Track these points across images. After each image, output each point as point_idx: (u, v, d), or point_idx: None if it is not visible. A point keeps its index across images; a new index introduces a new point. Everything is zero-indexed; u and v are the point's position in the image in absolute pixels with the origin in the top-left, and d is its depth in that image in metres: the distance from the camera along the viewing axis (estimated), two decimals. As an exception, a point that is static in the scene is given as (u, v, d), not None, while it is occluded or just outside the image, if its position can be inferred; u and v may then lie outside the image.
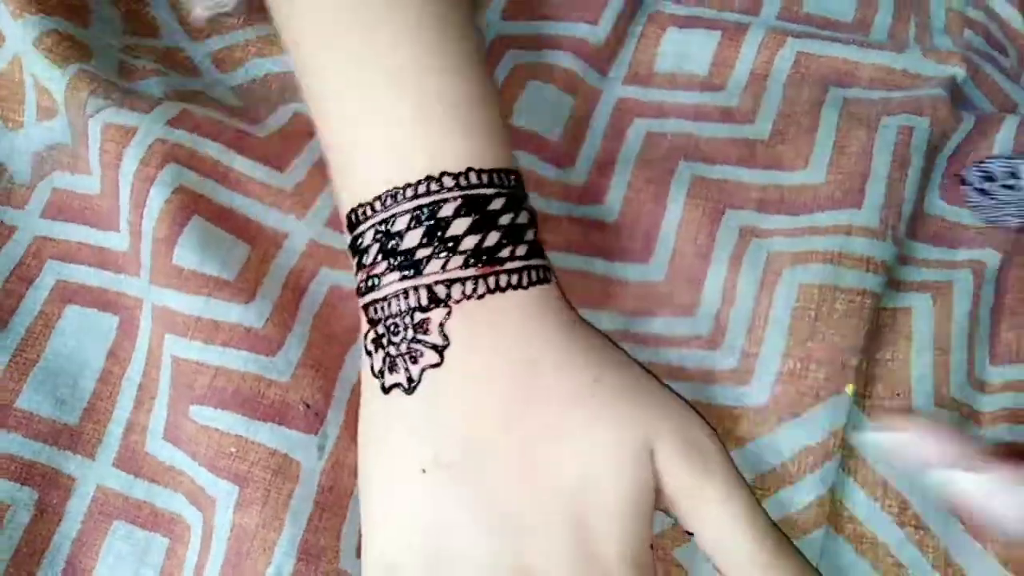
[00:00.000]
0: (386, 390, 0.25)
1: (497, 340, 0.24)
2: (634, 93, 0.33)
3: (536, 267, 0.25)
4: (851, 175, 0.29)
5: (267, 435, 0.26)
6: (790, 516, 0.26)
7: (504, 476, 0.23)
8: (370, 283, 0.25)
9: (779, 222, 0.29)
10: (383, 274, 0.25)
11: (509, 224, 0.25)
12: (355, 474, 0.26)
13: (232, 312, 0.27)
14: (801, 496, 0.26)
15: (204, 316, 0.27)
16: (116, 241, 0.30)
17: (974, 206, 0.30)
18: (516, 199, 0.26)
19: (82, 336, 0.28)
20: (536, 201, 0.29)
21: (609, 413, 0.24)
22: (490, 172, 0.25)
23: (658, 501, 0.24)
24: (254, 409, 0.26)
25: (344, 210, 0.26)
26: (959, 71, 0.32)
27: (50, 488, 0.27)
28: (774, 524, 0.24)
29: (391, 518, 0.24)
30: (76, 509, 0.27)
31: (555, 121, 0.31)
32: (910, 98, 0.31)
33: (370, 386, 0.25)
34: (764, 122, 0.31)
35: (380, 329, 0.25)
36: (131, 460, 0.27)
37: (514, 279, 0.25)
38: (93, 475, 0.27)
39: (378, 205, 0.25)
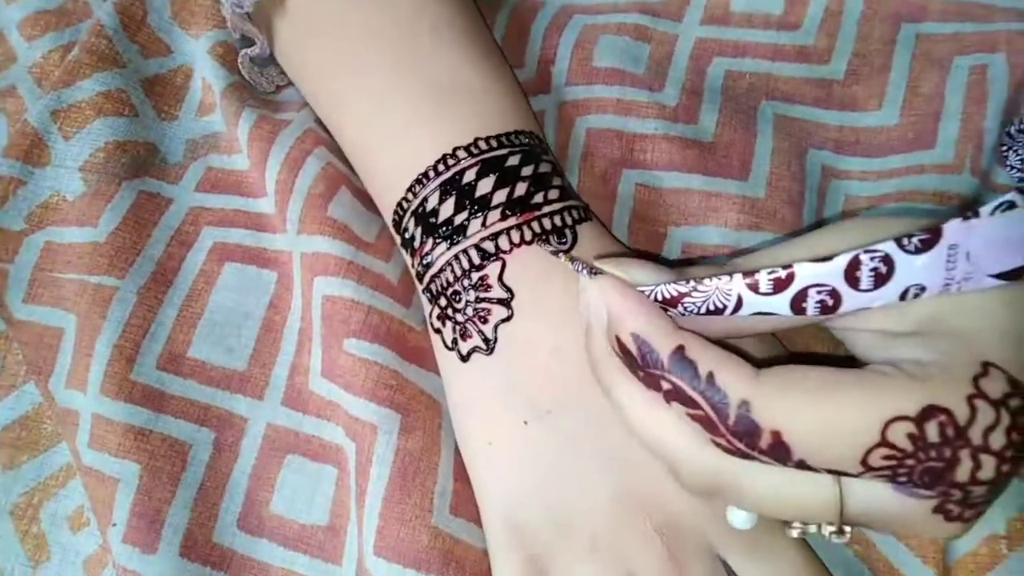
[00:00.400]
0: (465, 357, 0.25)
1: (558, 281, 0.25)
2: (712, 33, 0.33)
3: (574, 207, 0.26)
4: (924, 116, 0.30)
5: (415, 374, 0.28)
6: None
7: (600, 414, 0.24)
8: (424, 264, 0.26)
9: (855, 164, 0.30)
10: (432, 250, 0.26)
11: (532, 174, 0.26)
12: None
13: (376, 265, 0.29)
14: None
15: (355, 261, 0.29)
16: (264, 205, 0.32)
17: (1009, 167, 0.29)
18: (532, 154, 0.27)
19: (242, 290, 0.30)
20: (631, 123, 0.30)
21: None
22: (497, 136, 0.27)
23: None
24: (403, 349, 0.28)
25: (388, 216, 0.29)
26: None
27: (225, 428, 0.28)
28: None
29: (504, 479, 0.24)
30: (250, 446, 0.28)
31: (636, 63, 0.32)
32: (984, 33, 0.31)
33: (447, 363, 0.26)
34: (839, 62, 0.32)
35: (443, 302, 0.26)
36: (297, 399, 0.29)
37: (556, 220, 0.26)
38: (263, 415, 0.29)
39: (410, 195, 0.27)
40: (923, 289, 0.19)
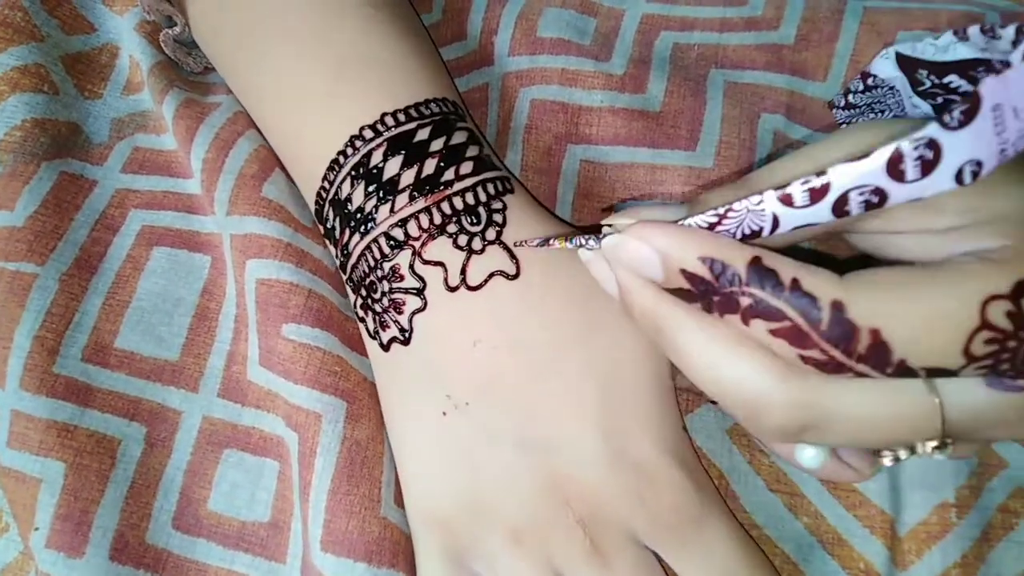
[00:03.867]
0: (385, 347, 0.25)
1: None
2: (659, 9, 0.32)
3: (489, 180, 0.25)
4: None
5: (357, 361, 0.26)
6: None
7: (523, 406, 0.23)
8: (345, 254, 0.25)
9: (803, 133, 0.30)
10: (349, 240, 0.25)
11: (443, 148, 0.25)
12: None
13: (315, 250, 0.28)
14: None
15: (293, 243, 0.27)
16: (192, 186, 0.30)
17: (841, 122, 0.29)
18: (445, 123, 0.25)
19: (173, 276, 0.29)
20: (577, 94, 0.30)
21: (618, 314, 0.23)
22: (405, 109, 0.25)
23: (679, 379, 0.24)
24: (344, 336, 0.27)
25: (313, 207, 0.27)
26: None
27: (157, 422, 0.27)
28: None
29: (424, 471, 0.24)
30: (184, 441, 0.27)
31: (582, 36, 0.31)
32: (928, 11, 0.31)
33: (372, 351, 0.26)
34: (788, 27, 0.31)
35: (363, 292, 0.25)
36: (235, 389, 0.27)
37: (469, 198, 0.24)
38: (198, 407, 0.27)
39: (326, 184, 0.25)
40: (979, 164, 0.17)
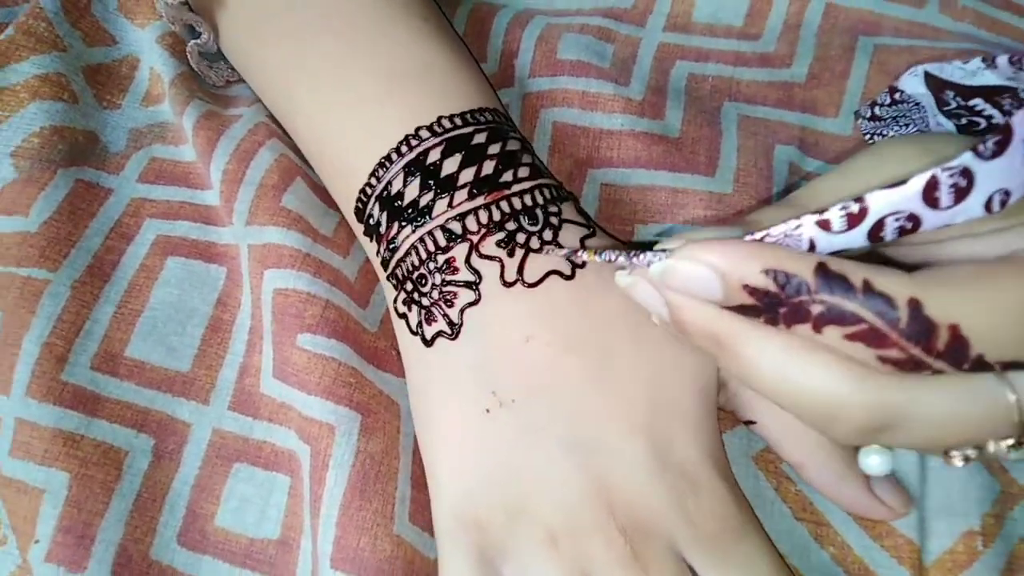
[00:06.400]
0: (428, 342, 0.24)
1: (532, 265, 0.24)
2: (674, 39, 0.33)
3: (545, 186, 0.25)
4: None
5: (372, 374, 0.26)
6: None
7: (571, 405, 0.23)
8: (391, 248, 0.25)
9: (816, 165, 0.30)
10: (397, 234, 0.25)
11: (500, 152, 0.25)
12: None
13: (334, 260, 0.28)
14: None
15: (312, 254, 0.27)
16: (211, 198, 0.30)
17: (866, 133, 0.30)
18: (499, 131, 0.26)
19: (187, 286, 0.28)
20: (597, 118, 0.30)
21: None
22: (462, 114, 0.26)
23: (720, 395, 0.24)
24: (360, 348, 0.26)
25: (348, 206, 0.27)
26: (971, 28, 0.32)
27: (166, 434, 0.26)
28: None
29: (460, 468, 0.23)
30: (193, 454, 0.26)
31: (601, 59, 0.32)
32: (936, 49, 0.32)
33: (411, 348, 0.25)
34: (800, 66, 0.32)
35: (408, 287, 0.25)
36: (247, 402, 0.27)
37: (527, 199, 0.24)
38: (208, 419, 0.26)
39: (373, 180, 0.25)
40: (1008, 194, 0.18)
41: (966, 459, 0.19)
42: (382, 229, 0.25)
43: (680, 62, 0.32)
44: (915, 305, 0.17)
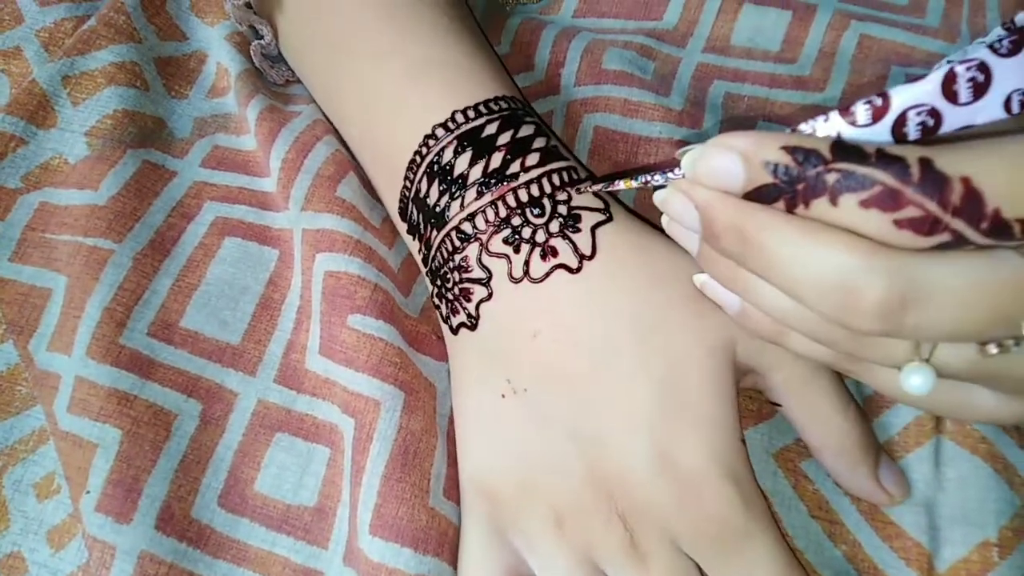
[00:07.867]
0: (455, 331, 0.26)
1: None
2: (713, 60, 0.34)
3: (559, 170, 0.26)
4: None
5: (414, 356, 0.27)
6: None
7: (579, 398, 0.24)
8: (427, 247, 0.27)
9: None
10: (429, 235, 0.27)
11: (510, 141, 0.26)
12: None
13: (381, 248, 0.29)
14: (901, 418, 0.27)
15: (363, 240, 0.29)
16: (268, 186, 0.32)
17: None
18: (511, 118, 0.27)
19: (242, 265, 0.30)
20: (637, 125, 0.31)
21: (680, 313, 0.24)
22: (474, 106, 0.27)
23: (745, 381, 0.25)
24: (404, 330, 0.28)
25: (391, 205, 0.29)
26: None
27: (213, 401, 0.27)
28: (853, 397, 0.25)
29: (480, 445, 0.25)
30: (238, 422, 0.27)
31: (643, 72, 0.33)
32: None
33: (447, 337, 0.27)
34: (834, 90, 0.33)
35: (438, 283, 0.27)
36: (292, 377, 0.28)
37: (533, 189, 0.25)
38: (254, 390, 0.28)
39: (407, 183, 0.27)
40: None
41: (1001, 347, 0.18)
42: (421, 230, 0.27)
43: (717, 81, 0.34)
44: (926, 162, 0.17)
